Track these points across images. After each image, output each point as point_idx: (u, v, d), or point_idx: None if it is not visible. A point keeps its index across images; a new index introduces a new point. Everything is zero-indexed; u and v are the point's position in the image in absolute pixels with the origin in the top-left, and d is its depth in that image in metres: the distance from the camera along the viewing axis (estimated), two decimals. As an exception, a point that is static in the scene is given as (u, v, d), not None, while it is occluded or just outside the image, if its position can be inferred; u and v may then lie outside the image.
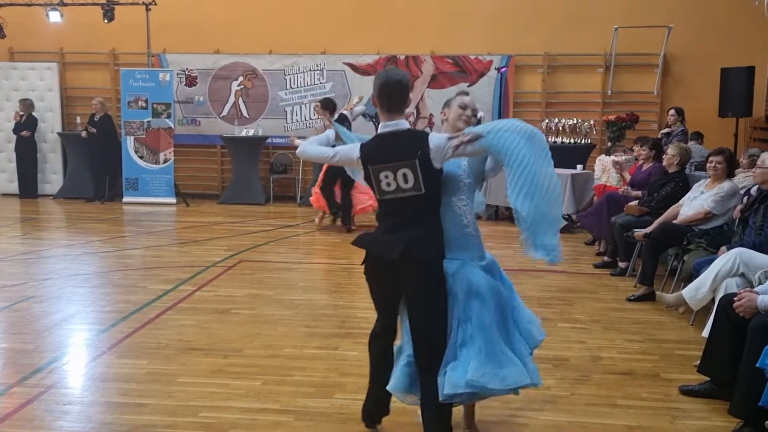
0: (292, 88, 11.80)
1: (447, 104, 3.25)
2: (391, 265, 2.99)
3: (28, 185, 11.70)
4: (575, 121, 9.96)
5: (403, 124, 3.07)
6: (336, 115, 8.55)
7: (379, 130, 3.11)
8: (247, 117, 11.88)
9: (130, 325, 5.09)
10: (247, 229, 9.21)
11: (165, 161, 11.29)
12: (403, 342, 3.22)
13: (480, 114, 3.41)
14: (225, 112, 11.93)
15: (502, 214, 9.77)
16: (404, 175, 2.94)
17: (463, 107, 3.19)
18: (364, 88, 10.57)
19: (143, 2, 11.08)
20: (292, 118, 11.86)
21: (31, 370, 4.19)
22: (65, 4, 11.18)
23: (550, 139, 9.54)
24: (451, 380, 2.93)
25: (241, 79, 11.82)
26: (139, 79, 11.20)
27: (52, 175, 12.03)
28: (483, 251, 3.18)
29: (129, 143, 11.28)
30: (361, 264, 3.19)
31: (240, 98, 11.90)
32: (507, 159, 2.87)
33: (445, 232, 3.07)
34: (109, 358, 4.43)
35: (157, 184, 11.29)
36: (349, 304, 5.77)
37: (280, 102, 11.84)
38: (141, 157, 11.28)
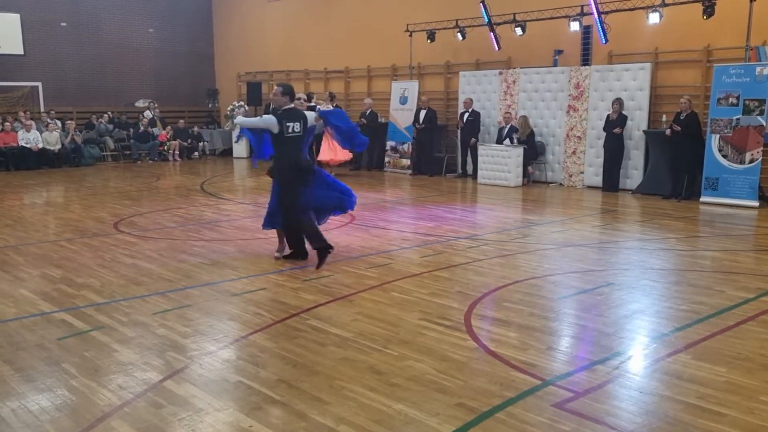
0: None
1: None
2: None
3: (612, 179, 12.48)
4: None
5: None
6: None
7: None
8: None
9: (706, 328, 4.97)
10: None
11: (751, 161, 10.57)
12: None
13: None
14: (832, 108, 10.42)
15: None
16: None
17: None
18: None
19: (746, -7, 10.52)
20: None
21: (611, 353, 4.49)
22: (666, 5, 11.43)
23: None
24: None
25: None
26: (732, 74, 10.69)
27: (633, 171, 12.54)
28: None
29: (713, 141, 10.92)
30: None
31: None
32: None
33: None
34: (685, 358, 4.40)
35: (739, 185, 10.67)
36: None
37: None
38: (725, 156, 10.80)
